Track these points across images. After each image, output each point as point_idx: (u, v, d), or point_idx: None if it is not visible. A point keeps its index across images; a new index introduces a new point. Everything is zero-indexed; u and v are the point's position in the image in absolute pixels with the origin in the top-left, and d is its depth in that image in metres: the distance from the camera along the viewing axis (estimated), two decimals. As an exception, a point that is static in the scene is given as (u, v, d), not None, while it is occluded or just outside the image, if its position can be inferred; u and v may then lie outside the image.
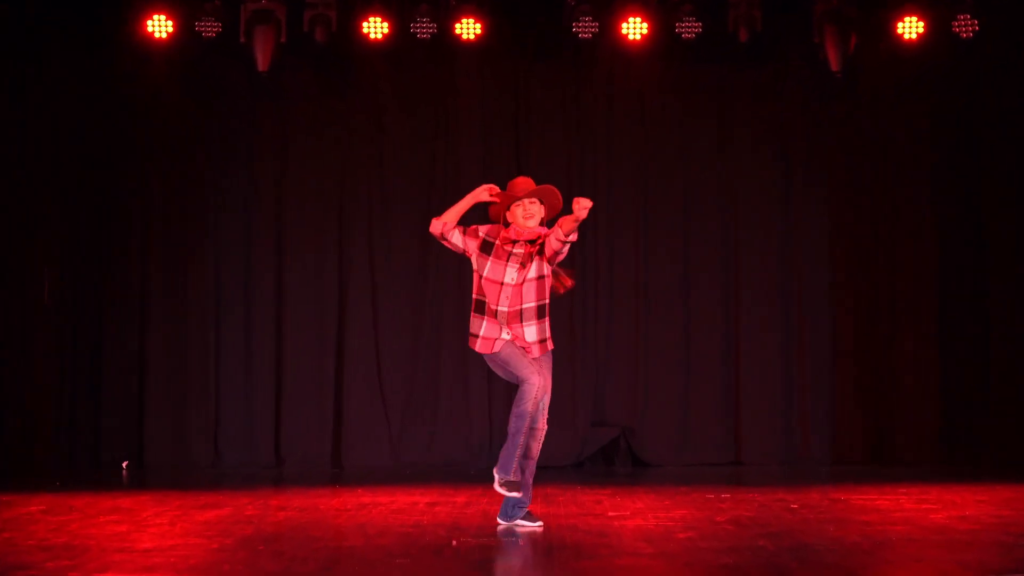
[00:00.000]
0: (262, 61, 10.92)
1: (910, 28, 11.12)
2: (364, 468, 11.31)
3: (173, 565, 5.76)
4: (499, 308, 6.95)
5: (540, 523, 7.06)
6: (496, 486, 6.88)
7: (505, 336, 6.96)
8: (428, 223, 11.60)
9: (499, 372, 7.10)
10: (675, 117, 11.76)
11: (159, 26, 11.00)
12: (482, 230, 7.09)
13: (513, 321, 6.94)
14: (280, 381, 11.59)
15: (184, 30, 11.03)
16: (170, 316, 11.58)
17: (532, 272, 6.97)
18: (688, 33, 11.03)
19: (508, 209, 7.03)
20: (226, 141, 11.69)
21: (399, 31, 11.12)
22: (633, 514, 7.65)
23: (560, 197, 7.07)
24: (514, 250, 6.99)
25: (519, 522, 7.08)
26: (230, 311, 11.63)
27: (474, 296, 7.06)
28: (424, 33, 11.02)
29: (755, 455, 11.53)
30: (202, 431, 11.51)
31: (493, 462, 11.27)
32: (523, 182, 7.06)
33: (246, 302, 11.64)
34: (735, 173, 11.74)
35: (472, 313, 7.05)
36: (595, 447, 11.50)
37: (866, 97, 11.72)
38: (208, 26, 10.86)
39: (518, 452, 6.89)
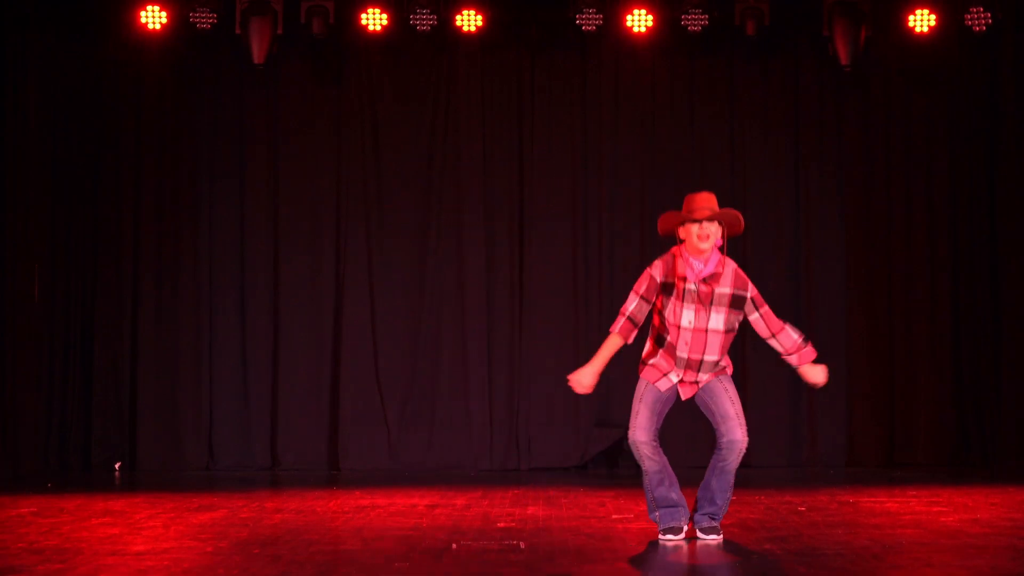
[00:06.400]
0: (258, 54, 10.87)
1: (921, 21, 11.07)
2: (362, 470, 11.25)
3: (167, 568, 5.73)
4: (679, 353, 6.50)
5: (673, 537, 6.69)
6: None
7: (674, 379, 6.53)
8: (427, 221, 11.67)
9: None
10: (683, 111, 11.67)
11: (153, 17, 10.94)
12: (658, 274, 6.50)
13: (691, 368, 6.50)
14: (276, 381, 11.51)
15: (178, 21, 10.97)
16: (163, 315, 11.49)
17: (719, 323, 6.46)
18: (694, 26, 10.95)
19: (683, 224, 6.50)
20: (220, 136, 11.62)
21: (398, 23, 11.06)
22: (637, 516, 7.65)
23: (742, 222, 6.54)
24: (687, 287, 6.43)
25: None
26: (224, 310, 11.54)
27: (655, 329, 6.62)
28: (424, 25, 10.94)
29: (763, 458, 11.42)
30: (196, 432, 11.42)
31: (494, 464, 11.36)
32: (703, 199, 6.50)
33: (240, 301, 11.57)
34: (745, 170, 11.66)
35: (649, 340, 6.65)
36: (598, 448, 11.41)
37: (878, 92, 11.64)
38: (203, 17, 10.79)
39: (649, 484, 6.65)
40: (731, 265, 6.52)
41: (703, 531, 6.61)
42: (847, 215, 11.64)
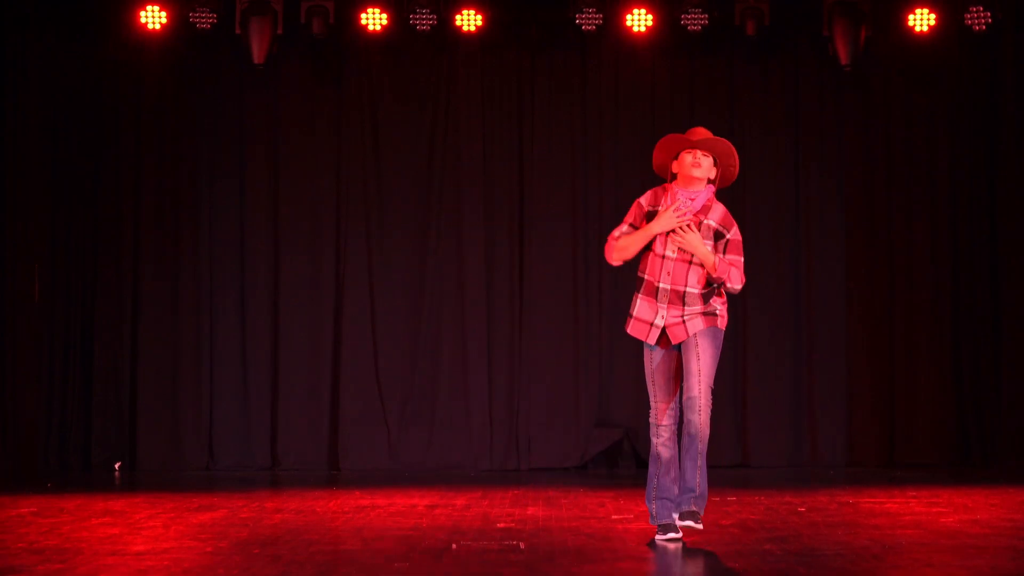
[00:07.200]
0: (258, 54, 10.87)
1: (921, 21, 11.05)
2: (362, 470, 11.24)
3: (167, 568, 5.73)
4: (660, 285, 6.44)
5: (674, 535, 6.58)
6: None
7: (659, 322, 6.42)
8: (427, 221, 11.67)
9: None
10: (683, 111, 11.64)
11: (153, 17, 10.94)
12: (645, 202, 6.56)
13: (674, 302, 6.43)
14: (276, 381, 11.50)
15: (178, 21, 10.96)
16: (163, 315, 11.48)
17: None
18: (694, 25, 10.92)
19: (676, 158, 6.56)
20: (220, 136, 11.60)
21: (398, 23, 11.05)
22: (637, 517, 7.63)
23: (736, 161, 6.57)
24: None
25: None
26: (224, 310, 11.53)
27: (637, 272, 6.55)
28: (424, 25, 10.93)
29: (763, 458, 11.42)
30: (196, 432, 11.41)
31: (494, 464, 11.36)
32: (700, 131, 6.55)
33: (240, 301, 11.56)
34: (745, 170, 11.57)
35: (635, 292, 6.56)
36: (598, 448, 11.40)
37: (878, 92, 11.62)
38: (202, 17, 10.78)
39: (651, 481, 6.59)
40: (722, 206, 6.53)
41: (681, 516, 6.47)
42: (847, 215, 11.62)
